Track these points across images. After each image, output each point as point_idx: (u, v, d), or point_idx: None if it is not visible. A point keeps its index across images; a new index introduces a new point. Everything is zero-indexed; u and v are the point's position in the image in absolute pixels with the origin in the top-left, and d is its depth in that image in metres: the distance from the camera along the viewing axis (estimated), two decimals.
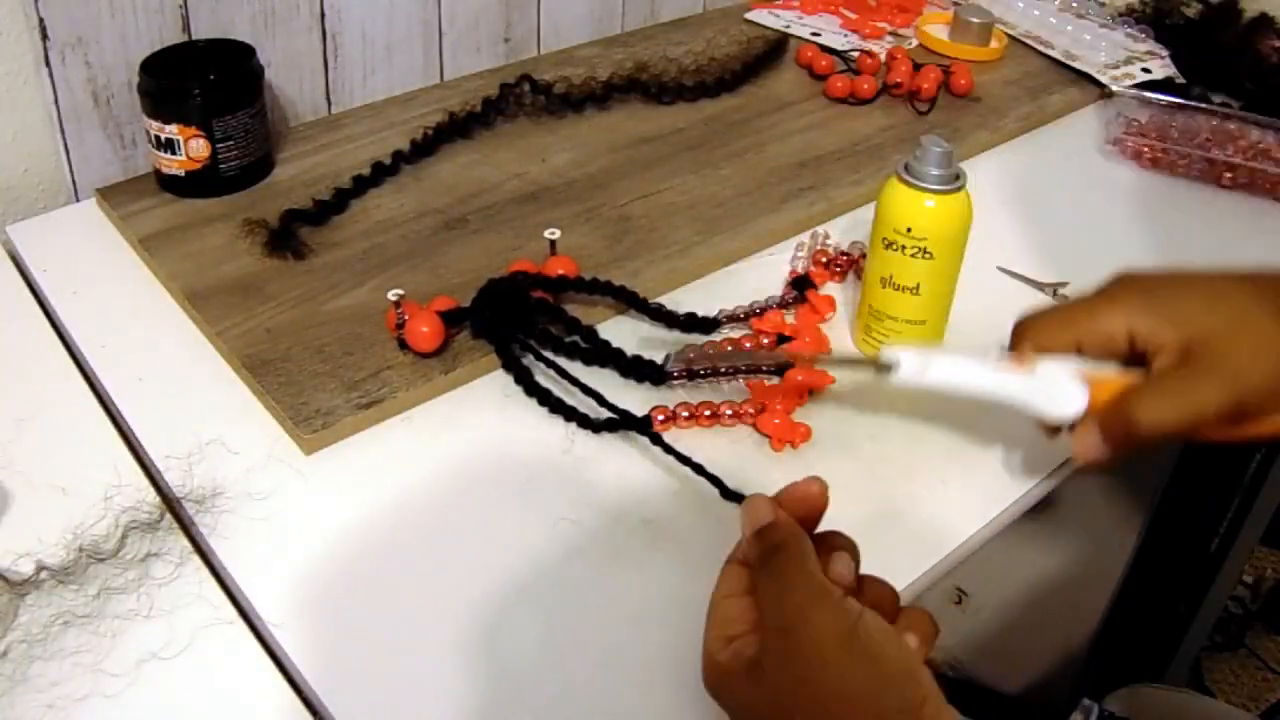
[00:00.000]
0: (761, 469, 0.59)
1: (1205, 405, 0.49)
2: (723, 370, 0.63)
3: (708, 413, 0.60)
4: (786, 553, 0.42)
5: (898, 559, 0.53)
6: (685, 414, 0.60)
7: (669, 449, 0.57)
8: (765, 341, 0.66)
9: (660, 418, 0.60)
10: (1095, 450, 0.51)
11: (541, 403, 0.61)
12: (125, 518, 0.52)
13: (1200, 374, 0.49)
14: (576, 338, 0.65)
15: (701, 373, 0.63)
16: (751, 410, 0.61)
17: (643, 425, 0.59)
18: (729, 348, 0.66)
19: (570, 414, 0.60)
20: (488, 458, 0.59)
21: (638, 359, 0.63)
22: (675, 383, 0.64)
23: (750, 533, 0.44)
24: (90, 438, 0.59)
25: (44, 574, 0.49)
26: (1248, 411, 0.49)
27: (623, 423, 0.60)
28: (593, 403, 0.60)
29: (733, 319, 0.69)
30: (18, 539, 0.51)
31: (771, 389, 0.62)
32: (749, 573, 0.44)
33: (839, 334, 0.69)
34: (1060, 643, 1.12)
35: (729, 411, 0.61)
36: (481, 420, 0.62)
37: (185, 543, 0.52)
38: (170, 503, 0.54)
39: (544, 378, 0.63)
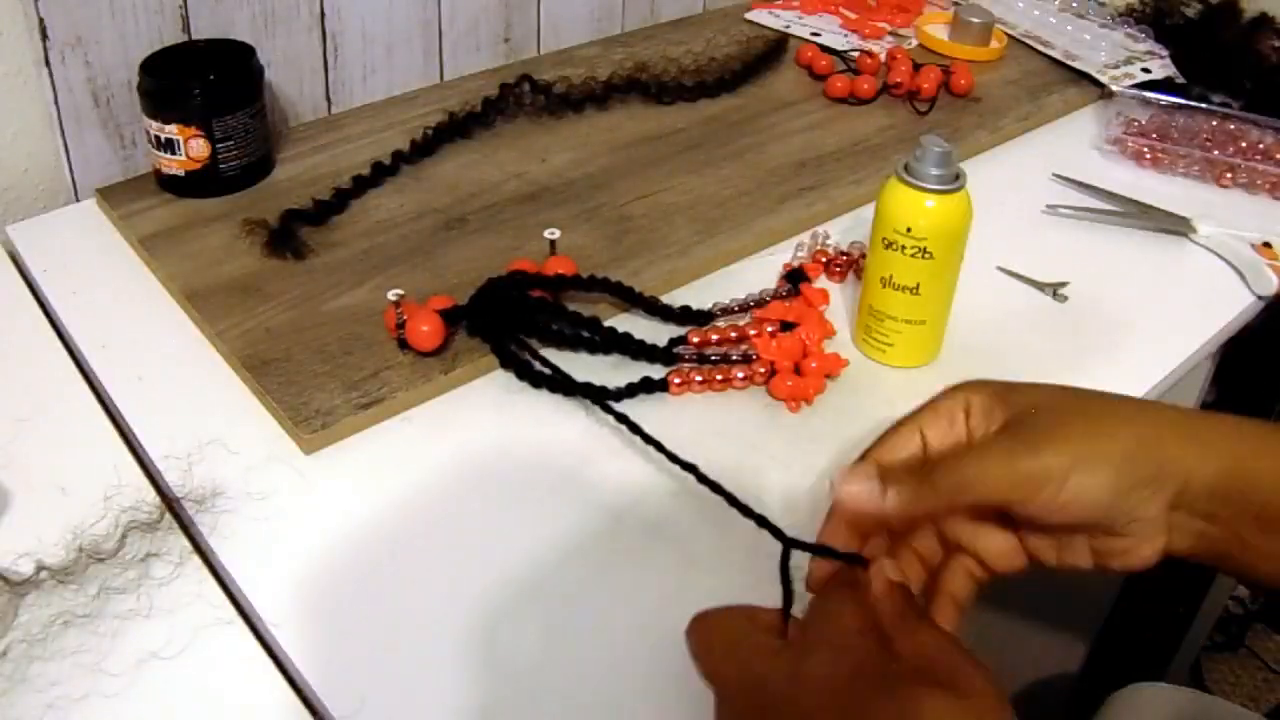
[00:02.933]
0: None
1: (1021, 471, 0.43)
2: (733, 357, 0.65)
3: (719, 376, 0.63)
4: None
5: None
6: (699, 377, 0.63)
7: (662, 449, 0.56)
8: (770, 330, 0.66)
9: (676, 380, 0.63)
10: (867, 495, 0.44)
11: (553, 389, 0.62)
12: (125, 518, 0.52)
13: (1021, 441, 0.43)
14: (582, 330, 0.65)
15: (711, 357, 0.65)
16: (763, 371, 0.64)
17: (660, 388, 0.63)
18: (733, 334, 0.66)
19: (586, 391, 0.61)
20: (487, 457, 0.59)
21: (644, 342, 0.65)
22: (685, 364, 0.65)
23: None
24: (90, 438, 0.59)
25: (44, 574, 0.49)
26: (1071, 514, 0.43)
27: (642, 386, 0.62)
28: (603, 381, 0.62)
29: (727, 311, 0.70)
30: (18, 539, 0.51)
31: (778, 349, 0.64)
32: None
33: (837, 333, 0.69)
34: (1060, 643, 1.12)
35: (740, 374, 0.64)
36: (481, 420, 0.62)
37: (185, 543, 0.52)
38: (170, 503, 0.54)
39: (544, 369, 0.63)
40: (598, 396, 0.61)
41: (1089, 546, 0.46)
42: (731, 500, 0.52)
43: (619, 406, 0.60)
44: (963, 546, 0.47)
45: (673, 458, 0.56)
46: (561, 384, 0.62)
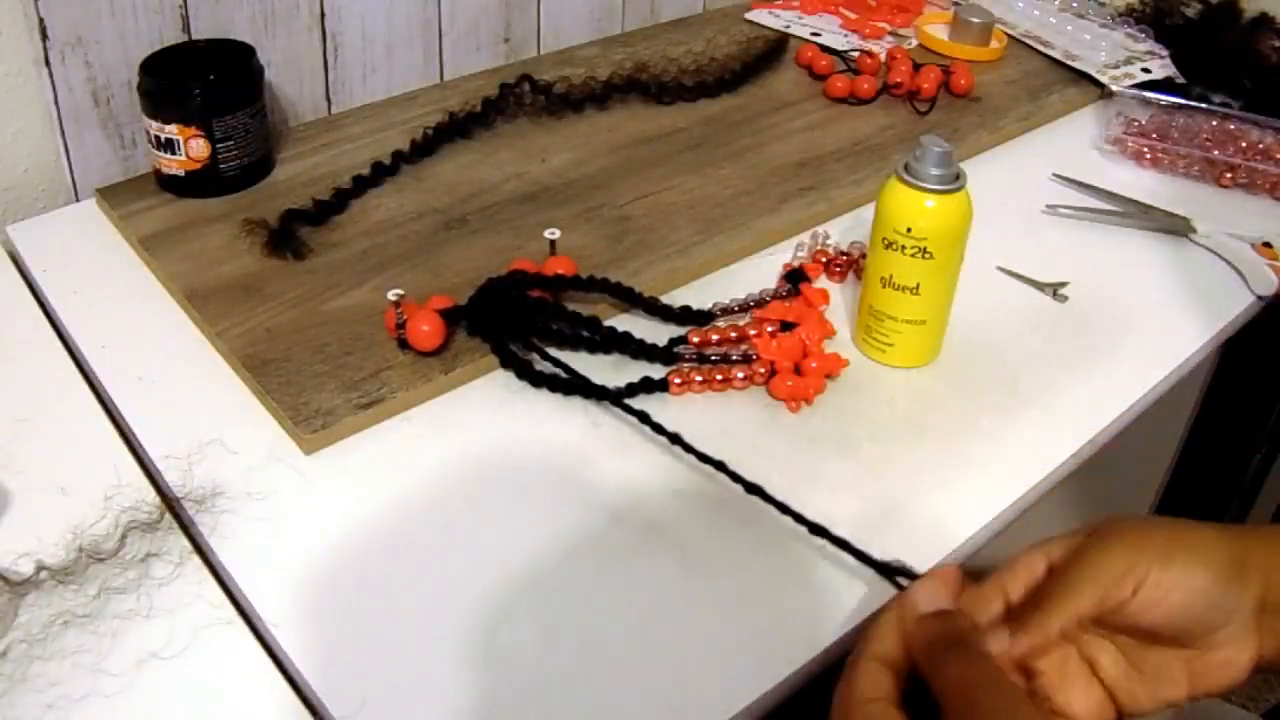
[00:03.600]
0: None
1: (1104, 573, 0.44)
2: (733, 357, 0.65)
3: (719, 376, 0.63)
4: (972, 652, 0.43)
5: (898, 559, 0.53)
6: (699, 378, 0.63)
7: (690, 448, 0.57)
8: (770, 330, 0.66)
9: (677, 380, 0.63)
10: (1002, 648, 0.45)
11: (552, 389, 0.62)
12: (125, 518, 0.52)
13: (1114, 543, 0.45)
14: (582, 330, 0.65)
15: (711, 357, 0.65)
16: (763, 371, 0.63)
17: (660, 388, 0.63)
18: (733, 334, 0.66)
19: (587, 390, 0.61)
20: (487, 457, 0.59)
21: (644, 341, 0.65)
22: (685, 364, 0.65)
23: (924, 613, 0.45)
24: (90, 438, 0.59)
25: (44, 574, 0.49)
26: (1175, 603, 0.44)
27: (642, 386, 0.62)
28: (603, 381, 0.62)
29: (727, 311, 0.69)
30: (18, 539, 0.51)
31: (778, 349, 0.64)
32: (894, 674, 0.43)
33: (837, 333, 0.69)
34: None
35: (740, 374, 0.64)
36: (481, 420, 0.62)
37: (185, 543, 0.52)
38: (170, 503, 0.54)
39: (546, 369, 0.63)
40: (610, 396, 0.61)
41: (1185, 671, 0.46)
42: (764, 498, 0.53)
43: (619, 407, 0.60)
44: (1053, 710, 0.47)
45: (702, 456, 0.56)
46: (564, 383, 0.62)
